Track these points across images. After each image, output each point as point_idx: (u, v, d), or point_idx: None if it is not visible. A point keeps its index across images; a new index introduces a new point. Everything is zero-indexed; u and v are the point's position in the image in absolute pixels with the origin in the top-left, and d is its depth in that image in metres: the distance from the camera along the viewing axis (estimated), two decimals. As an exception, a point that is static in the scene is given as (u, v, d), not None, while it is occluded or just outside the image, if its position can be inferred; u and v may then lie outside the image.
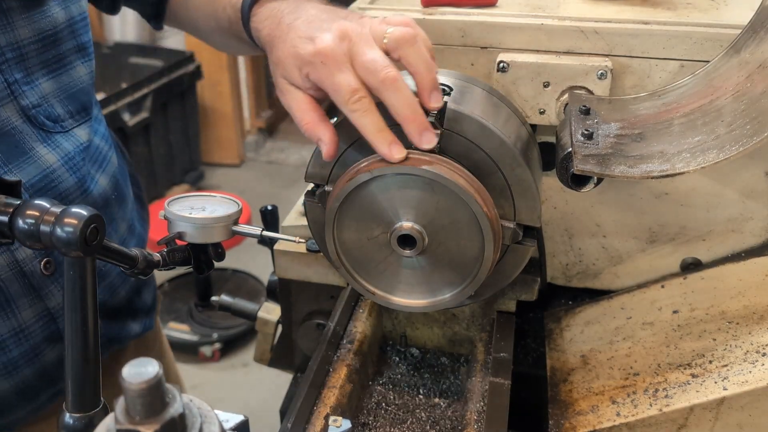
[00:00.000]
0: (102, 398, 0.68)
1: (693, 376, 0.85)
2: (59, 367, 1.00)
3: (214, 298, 1.38)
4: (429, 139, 0.76)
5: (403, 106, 0.75)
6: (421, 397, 1.01)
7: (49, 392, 1.01)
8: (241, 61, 4.65)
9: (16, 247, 0.91)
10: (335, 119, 0.84)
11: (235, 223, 0.88)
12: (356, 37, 0.77)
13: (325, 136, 0.80)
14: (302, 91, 0.82)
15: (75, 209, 0.65)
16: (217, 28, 1.12)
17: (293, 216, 1.16)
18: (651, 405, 0.85)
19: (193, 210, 0.87)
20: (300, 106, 0.82)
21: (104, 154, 1.08)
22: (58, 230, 0.64)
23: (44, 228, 0.64)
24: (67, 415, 0.67)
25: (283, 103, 0.85)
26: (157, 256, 0.83)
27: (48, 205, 0.66)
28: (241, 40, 1.03)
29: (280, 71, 0.84)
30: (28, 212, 0.65)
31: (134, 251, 0.79)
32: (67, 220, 0.64)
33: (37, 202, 0.66)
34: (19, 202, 0.67)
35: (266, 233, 0.89)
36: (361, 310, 1.06)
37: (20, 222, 0.65)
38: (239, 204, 0.89)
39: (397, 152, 0.76)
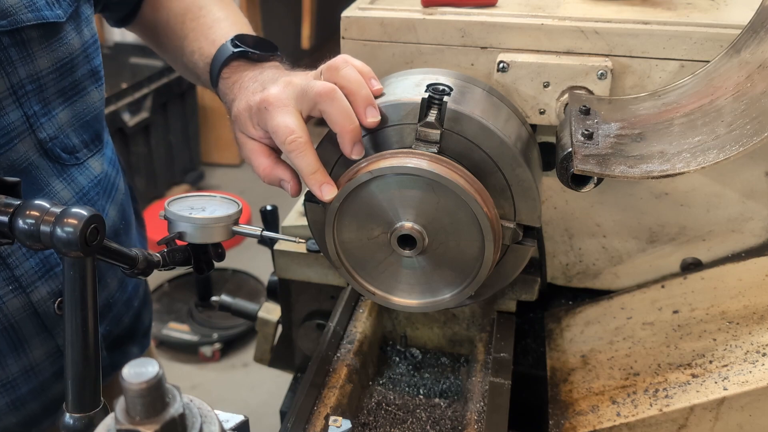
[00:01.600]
0: (102, 398, 0.68)
1: (693, 376, 0.85)
2: (63, 399, 1.00)
3: (214, 298, 1.38)
4: (358, 151, 0.80)
5: (337, 115, 0.78)
6: (421, 397, 1.01)
7: (51, 419, 1.01)
8: (241, 61, 4.64)
9: (30, 289, 0.91)
10: None
11: (236, 223, 0.88)
12: (299, 81, 0.83)
13: (285, 175, 0.85)
14: (256, 140, 0.87)
15: (75, 209, 0.65)
16: (180, 62, 1.13)
17: (293, 216, 1.16)
18: (651, 405, 0.85)
19: (193, 210, 0.87)
20: (255, 155, 0.87)
21: (112, 182, 1.08)
22: (58, 230, 0.64)
23: (44, 228, 0.64)
24: (67, 415, 0.67)
25: (243, 157, 0.91)
26: (157, 257, 0.83)
27: (48, 206, 0.66)
28: (202, 83, 1.08)
29: (238, 126, 0.89)
30: (29, 212, 0.65)
31: (134, 251, 0.79)
32: (67, 220, 0.64)
33: (37, 202, 0.66)
34: (19, 203, 0.66)
35: (266, 233, 0.89)
36: (361, 311, 1.06)
37: (20, 222, 0.65)
38: (239, 204, 0.89)
39: (327, 193, 0.80)
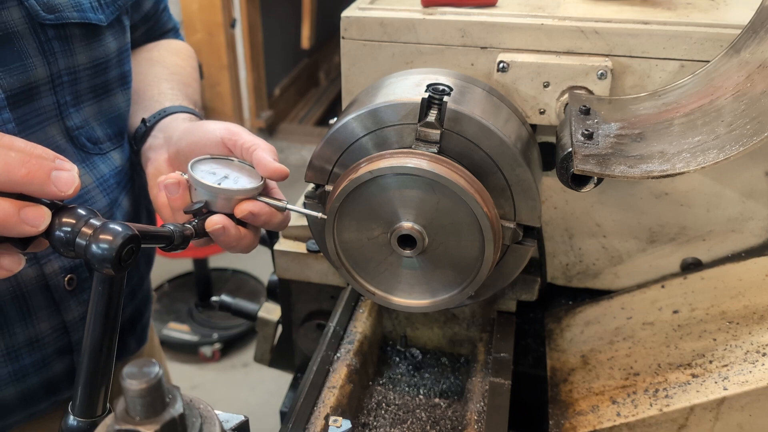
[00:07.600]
0: (108, 405, 0.68)
1: (693, 376, 0.85)
2: (64, 379, 1.02)
3: (214, 298, 1.38)
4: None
5: None
6: (421, 397, 1.01)
7: (51, 401, 1.02)
8: (241, 61, 4.65)
9: (44, 261, 0.93)
10: (335, 119, 0.84)
11: (261, 194, 0.85)
12: None
13: None
14: None
15: (113, 225, 0.63)
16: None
17: (293, 216, 1.16)
18: (651, 405, 0.85)
19: (215, 175, 0.85)
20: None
21: (130, 175, 1.12)
22: (94, 246, 0.62)
23: (80, 240, 0.63)
24: (71, 417, 0.67)
25: None
26: (189, 228, 0.80)
27: (84, 213, 0.64)
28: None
29: None
30: (65, 220, 0.64)
31: (168, 228, 0.77)
32: (103, 236, 0.62)
33: (79, 210, 0.65)
34: (57, 207, 0.65)
35: (290, 207, 0.87)
36: (361, 311, 1.06)
37: (57, 231, 0.64)
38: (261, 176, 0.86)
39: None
